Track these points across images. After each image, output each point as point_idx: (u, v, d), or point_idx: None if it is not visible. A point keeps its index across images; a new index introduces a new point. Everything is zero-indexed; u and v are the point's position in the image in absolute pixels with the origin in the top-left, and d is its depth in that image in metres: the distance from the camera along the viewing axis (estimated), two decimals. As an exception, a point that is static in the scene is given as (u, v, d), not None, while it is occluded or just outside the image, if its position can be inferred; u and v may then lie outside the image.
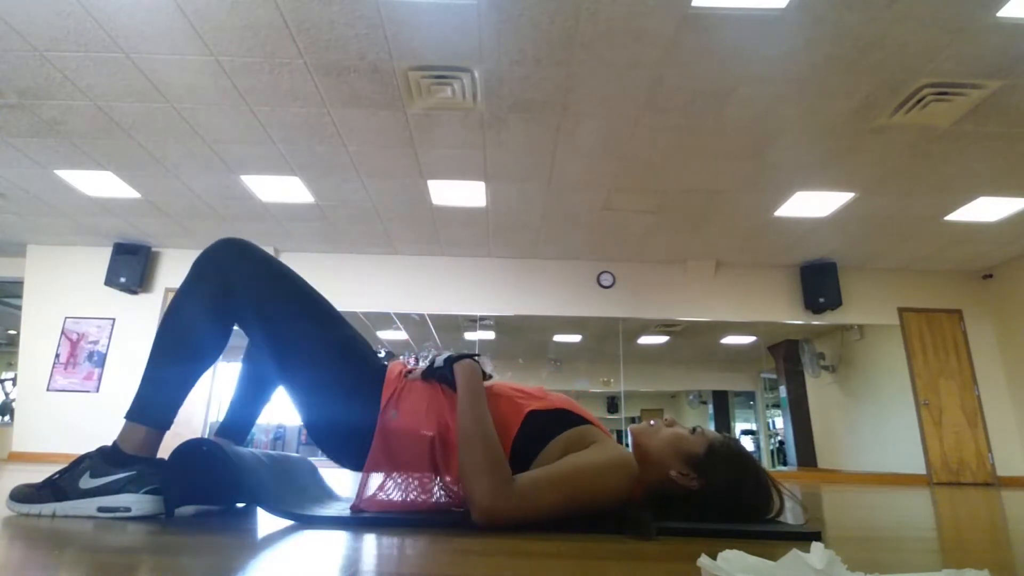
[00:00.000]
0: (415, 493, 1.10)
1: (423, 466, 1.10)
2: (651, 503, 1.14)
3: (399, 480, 1.11)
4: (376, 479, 1.11)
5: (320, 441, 1.17)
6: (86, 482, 1.04)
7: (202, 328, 1.13)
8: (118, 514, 1.03)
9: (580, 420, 1.15)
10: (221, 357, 1.17)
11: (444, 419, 1.11)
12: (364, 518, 1.06)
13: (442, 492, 1.10)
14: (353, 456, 1.15)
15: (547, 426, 1.12)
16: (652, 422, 1.21)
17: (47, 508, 1.03)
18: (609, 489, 1.04)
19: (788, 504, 1.19)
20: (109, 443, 1.10)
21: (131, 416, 1.10)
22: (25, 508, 1.04)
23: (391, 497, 1.10)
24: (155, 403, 1.10)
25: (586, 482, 1.02)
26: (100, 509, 1.03)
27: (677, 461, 1.13)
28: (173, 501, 1.06)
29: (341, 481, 2.37)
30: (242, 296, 1.13)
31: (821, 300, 5.99)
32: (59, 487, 1.05)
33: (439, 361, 1.15)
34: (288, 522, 1.04)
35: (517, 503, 0.97)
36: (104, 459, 1.06)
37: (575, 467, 1.03)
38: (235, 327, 1.18)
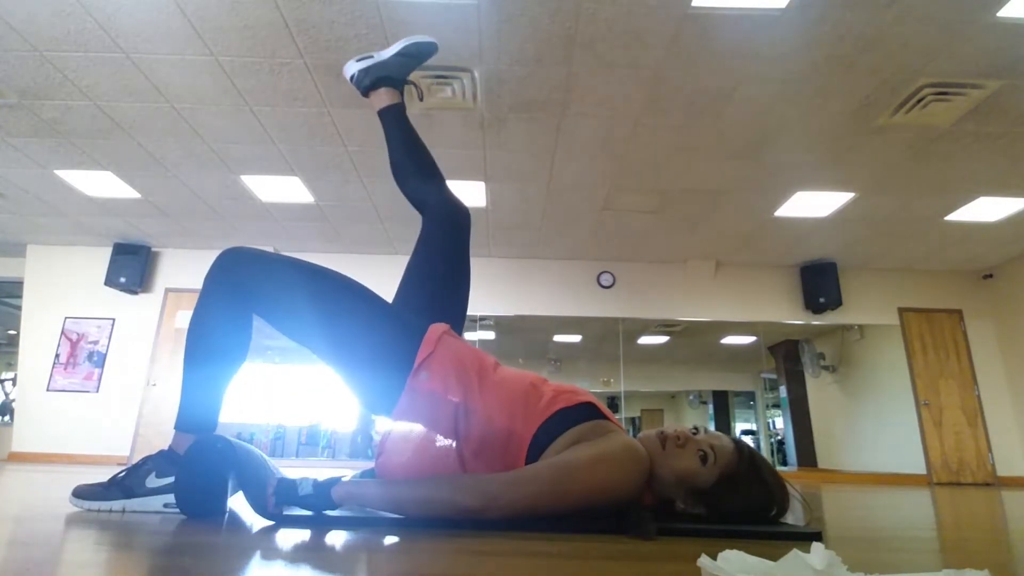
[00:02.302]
0: (431, 460, 1.12)
1: (445, 430, 1.13)
2: (658, 508, 1.14)
3: (420, 444, 1.14)
4: (396, 443, 1.16)
5: (355, 392, 1.22)
6: (152, 481, 1.14)
7: (222, 330, 1.18)
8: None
9: (602, 414, 1.15)
10: (247, 358, 1.23)
11: (473, 387, 1.14)
12: (364, 518, 1.06)
13: (458, 462, 1.11)
14: (384, 405, 1.18)
15: (568, 418, 1.13)
16: (663, 432, 1.15)
17: (117, 504, 1.13)
18: (618, 478, 1.03)
19: (798, 507, 1.18)
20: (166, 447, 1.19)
21: (179, 427, 1.17)
22: (95, 504, 1.14)
23: (408, 461, 1.14)
24: (196, 411, 1.17)
25: (591, 471, 1.02)
26: (166, 505, 1.13)
27: (683, 493, 1.12)
28: (189, 503, 1.11)
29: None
30: (256, 292, 1.18)
31: (821, 300, 5.99)
32: (127, 486, 1.14)
33: (306, 488, 1.02)
34: (287, 522, 1.04)
35: (510, 498, 0.97)
36: (166, 461, 1.15)
37: (578, 457, 1.03)
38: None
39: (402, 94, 1.60)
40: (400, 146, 1.53)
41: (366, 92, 1.59)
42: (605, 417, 1.16)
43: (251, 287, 1.18)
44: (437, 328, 1.22)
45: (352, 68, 1.60)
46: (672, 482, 1.11)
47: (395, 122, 1.55)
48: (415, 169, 1.52)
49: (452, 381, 1.14)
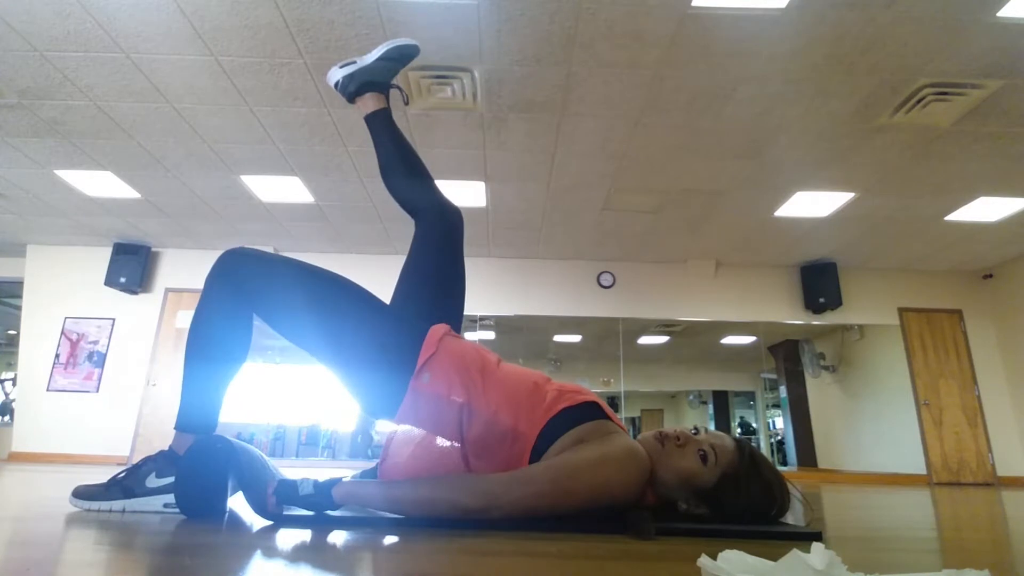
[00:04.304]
0: (435, 461, 1.12)
1: (449, 431, 1.12)
2: (660, 509, 1.14)
3: (424, 445, 1.14)
4: (400, 445, 1.15)
5: (356, 396, 1.21)
6: (152, 481, 1.14)
7: (223, 331, 1.19)
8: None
9: (600, 415, 1.15)
10: (247, 359, 1.23)
11: (477, 386, 1.13)
12: (364, 518, 1.06)
13: (462, 464, 1.12)
14: (387, 409, 1.18)
15: (572, 417, 1.13)
16: (662, 433, 1.15)
17: (117, 504, 1.13)
18: (619, 480, 1.04)
19: (798, 507, 1.18)
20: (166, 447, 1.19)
21: (179, 427, 1.17)
22: (95, 504, 1.13)
23: (410, 463, 1.13)
24: (196, 412, 1.17)
25: (592, 472, 1.02)
26: (166, 505, 1.13)
27: (685, 493, 1.12)
28: (189, 503, 1.10)
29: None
30: (257, 293, 1.18)
31: (821, 300, 5.99)
32: (127, 486, 1.14)
33: (307, 488, 1.02)
34: (287, 522, 1.04)
35: (511, 498, 0.97)
36: (166, 461, 1.15)
37: (580, 458, 1.03)
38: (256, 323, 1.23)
39: (388, 98, 1.60)
40: (389, 150, 1.53)
41: (352, 98, 1.58)
42: (608, 417, 1.16)
43: (252, 288, 1.18)
44: (438, 329, 1.22)
45: (336, 75, 1.59)
46: (674, 483, 1.11)
47: (383, 127, 1.55)
48: (405, 172, 1.52)
49: (455, 381, 1.13)
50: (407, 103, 1.69)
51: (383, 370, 1.16)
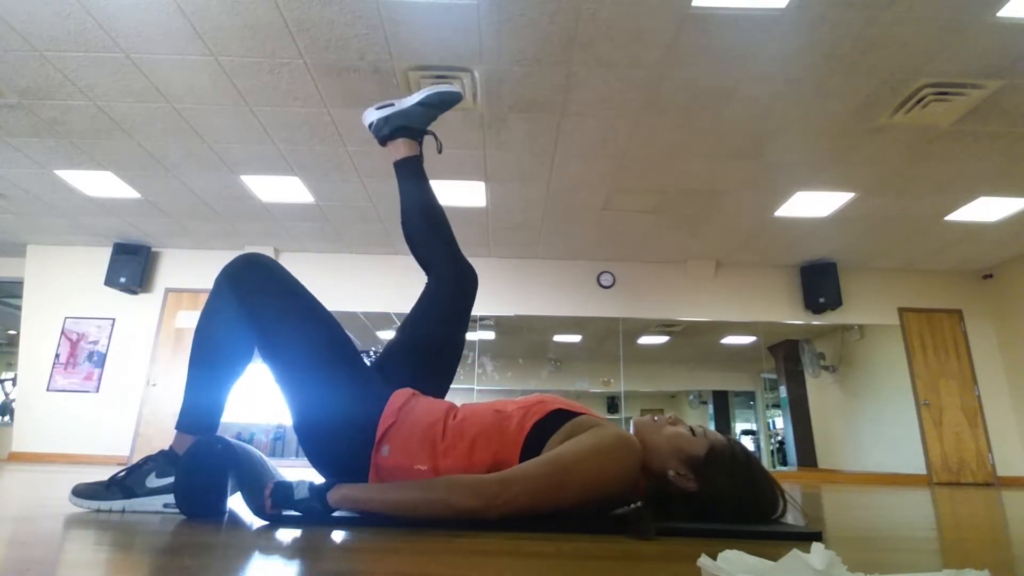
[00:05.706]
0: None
1: None
2: (653, 501, 1.14)
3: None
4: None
5: (316, 464, 1.19)
6: (152, 481, 1.14)
7: (227, 333, 1.19)
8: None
9: (576, 414, 1.16)
10: (249, 365, 1.23)
11: (438, 448, 1.11)
12: (363, 518, 1.06)
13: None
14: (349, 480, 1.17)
15: (546, 429, 1.12)
16: (656, 417, 1.20)
17: (117, 504, 1.13)
18: (613, 469, 1.04)
19: (789, 510, 1.19)
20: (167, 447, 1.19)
21: (180, 427, 1.17)
22: (95, 504, 1.13)
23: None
24: (198, 412, 1.18)
25: (586, 463, 1.02)
26: (166, 505, 1.13)
27: (676, 461, 1.13)
28: (188, 503, 1.11)
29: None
30: (250, 310, 1.18)
31: (821, 300, 5.99)
32: (127, 486, 1.14)
33: (303, 491, 1.02)
34: (287, 522, 1.04)
35: (508, 496, 0.97)
36: (167, 461, 1.15)
37: (571, 450, 1.03)
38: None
39: (420, 145, 1.55)
40: (414, 201, 1.49)
41: (384, 142, 1.54)
42: (579, 412, 1.17)
43: (250, 304, 1.17)
44: (399, 396, 1.19)
45: (372, 116, 1.55)
46: (665, 450, 1.14)
47: (411, 175, 1.51)
48: (426, 225, 1.47)
49: (416, 449, 1.11)
50: (440, 151, 1.64)
51: (343, 444, 1.14)
